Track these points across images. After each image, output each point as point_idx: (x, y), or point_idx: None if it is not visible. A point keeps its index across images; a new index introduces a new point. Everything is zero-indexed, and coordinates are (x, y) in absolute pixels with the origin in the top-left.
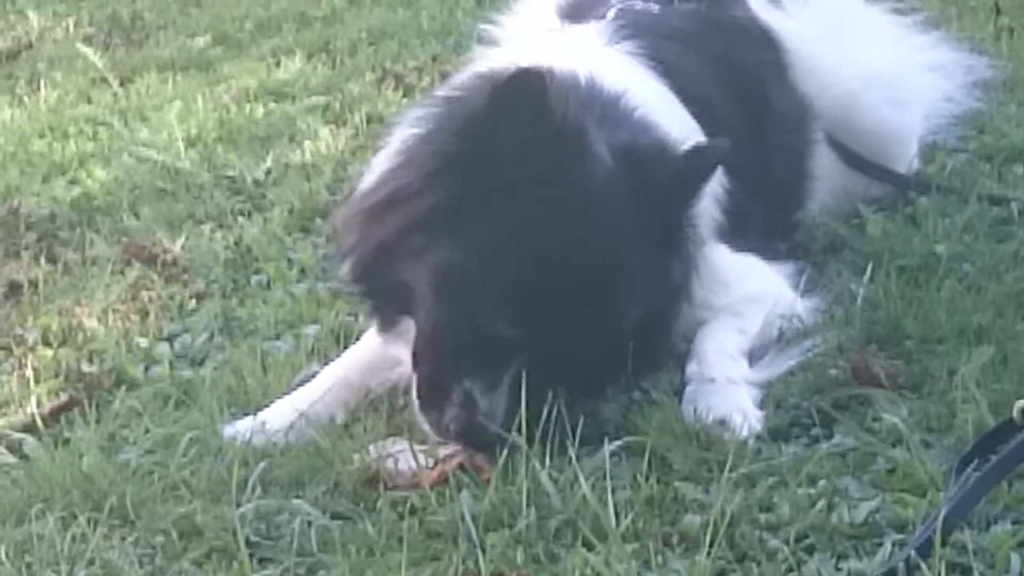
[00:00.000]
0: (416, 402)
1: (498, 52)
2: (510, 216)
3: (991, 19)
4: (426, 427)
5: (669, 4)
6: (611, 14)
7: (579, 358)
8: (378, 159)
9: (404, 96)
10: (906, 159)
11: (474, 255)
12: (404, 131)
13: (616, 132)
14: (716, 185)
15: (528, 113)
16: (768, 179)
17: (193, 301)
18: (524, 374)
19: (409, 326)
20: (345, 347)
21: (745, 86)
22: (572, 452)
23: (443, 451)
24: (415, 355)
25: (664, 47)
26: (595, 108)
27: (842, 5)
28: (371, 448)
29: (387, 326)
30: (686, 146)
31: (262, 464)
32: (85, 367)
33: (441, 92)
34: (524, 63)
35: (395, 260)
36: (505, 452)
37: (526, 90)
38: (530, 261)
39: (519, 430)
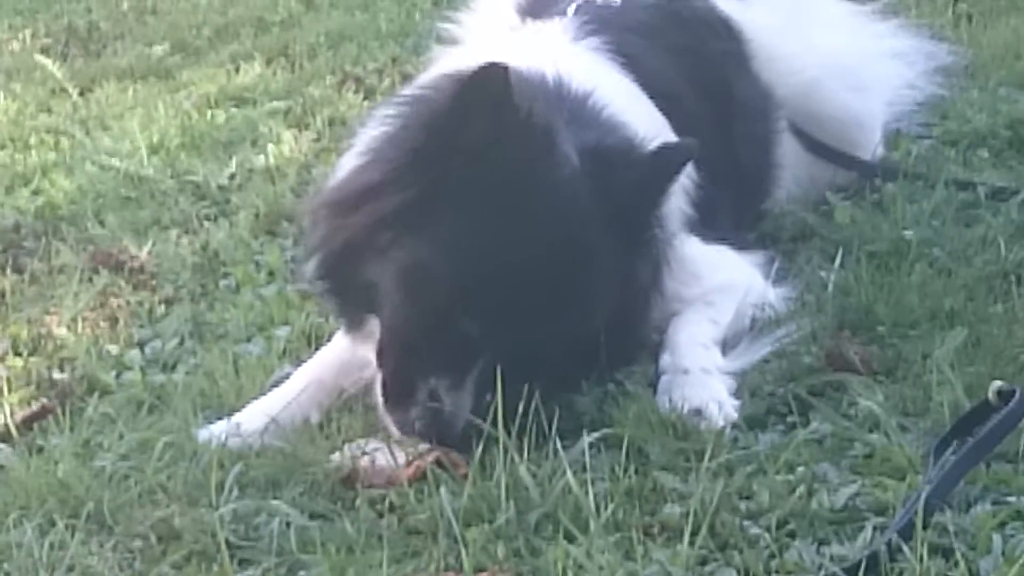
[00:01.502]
0: (381, 401)
1: (460, 51)
2: (475, 212)
3: (949, 6)
4: (391, 427)
5: None
6: (572, 10)
7: (546, 355)
8: (345, 158)
9: (365, 98)
10: (870, 146)
11: (438, 252)
12: (371, 130)
13: (585, 132)
14: (685, 178)
15: (492, 107)
16: (735, 169)
17: (162, 307)
18: (494, 370)
19: (375, 326)
20: (317, 348)
21: (709, 77)
22: (550, 446)
23: (419, 447)
24: (379, 354)
25: (628, 42)
26: (563, 108)
27: None
28: (346, 447)
29: (354, 326)
30: (654, 145)
31: (238, 466)
32: (56, 375)
33: (407, 91)
34: (488, 59)
35: (361, 258)
36: (481, 446)
37: (489, 84)
38: (495, 258)
39: (496, 424)
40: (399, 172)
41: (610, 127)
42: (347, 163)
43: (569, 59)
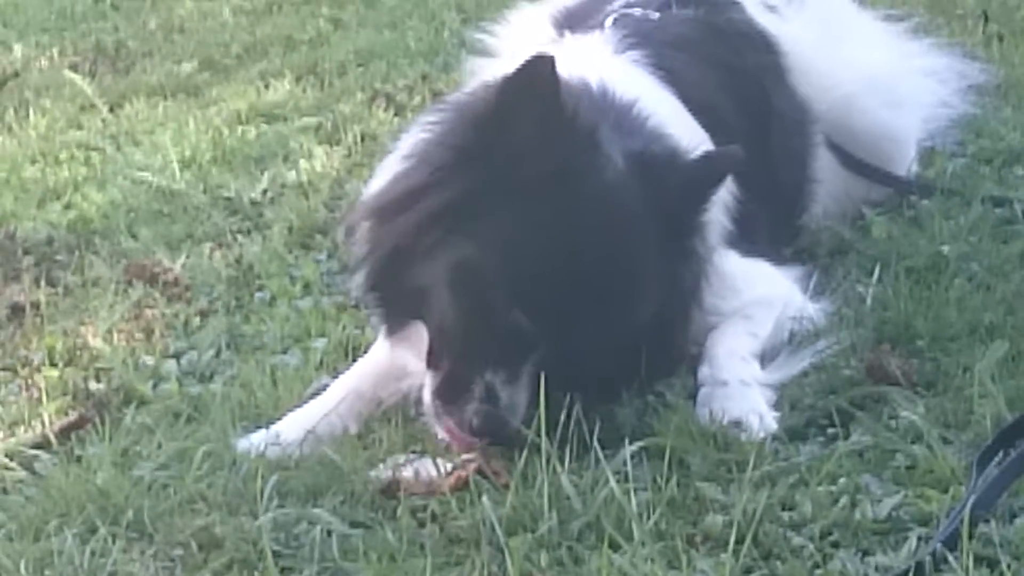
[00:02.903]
0: (434, 403)
1: (497, 63)
2: (523, 208)
3: (979, 26)
4: (438, 429)
5: (667, 11)
6: (610, 23)
7: (594, 356)
8: (386, 164)
9: (395, 115)
10: (905, 161)
11: (489, 247)
12: (412, 136)
13: (630, 139)
14: (725, 192)
15: (541, 99)
16: (773, 184)
17: (197, 319)
18: (542, 374)
19: (419, 332)
20: (354, 359)
21: (748, 91)
22: (591, 455)
23: (462, 457)
24: (430, 355)
25: (669, 55)
26: (609, 115)
27: (836, 9)
28: (387, 460)
29: (396, 332)
30: (699, 152)
31: (278, 476)
32: (92, 385)
33: (451, 98)
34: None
35: (409, 261)
36: (524, 455)
37: (537, 77)
38: (545, 252)
39: (539, 432)
40: (445, 172)
41: (655, 135)
42: (388, 168)
43: (611, 70)
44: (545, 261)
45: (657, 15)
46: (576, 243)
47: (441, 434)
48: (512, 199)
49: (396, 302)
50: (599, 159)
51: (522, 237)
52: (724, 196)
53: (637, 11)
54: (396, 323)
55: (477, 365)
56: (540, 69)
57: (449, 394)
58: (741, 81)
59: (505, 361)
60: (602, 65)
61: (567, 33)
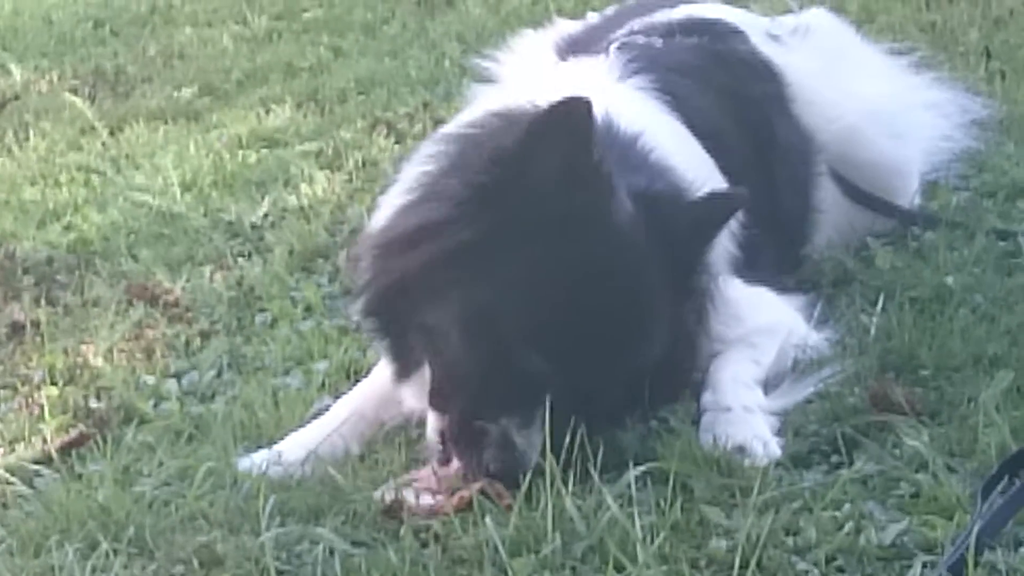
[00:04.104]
0: (435, 444)
1: (500, 90)
2: (541, 251)
3: (981, 63)
4: (439, 469)
5: (672, 39)
6: (614, 48)
7: (605, 392)
8: (388, 196)
9: (396, 143)
10: (908, 193)
11: (506, 293)
12: (416, 168)
13: (634, 176)
14: (731, 220)
15: (572, 143)
16: (776, 213)
17: (198, 339)
18: (557, 407)
19: (418, 367)
20: (356, 382)
21: (752, 119)
22: (594, 479)
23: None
24: (434, 395)
25: (673, 81)
26: (613, 150)
27: (840, 40)
28: (391, 480)
29: (401, 364)
30: (704, 192)
31: (280, 495)
32: (93, 404)
33: (454, 130)
34: (561, 94)
35: (417, 297)
36: (528, 478)
37: (572, 119)
38: (562, 297)
39: (543, 455)
40: (460, 209)
41: (658, 171)
42: (392, 201)
43: (616, 98)
44: (561, 306)
45: (661, 42)
46: (592, 287)
47: (440, 471)
48: (528, 242)
49: (398, 334)
50: (616, 202)
51: (538, 282)
52: (731, 224)
53: (641, 38)
54: (400, 356)
55: (492, 410)
56: (576, 110)
57: (464, 438)
58: (745, 109)
59: (521, 405)
60: (606, 90)
61: (570, 59)
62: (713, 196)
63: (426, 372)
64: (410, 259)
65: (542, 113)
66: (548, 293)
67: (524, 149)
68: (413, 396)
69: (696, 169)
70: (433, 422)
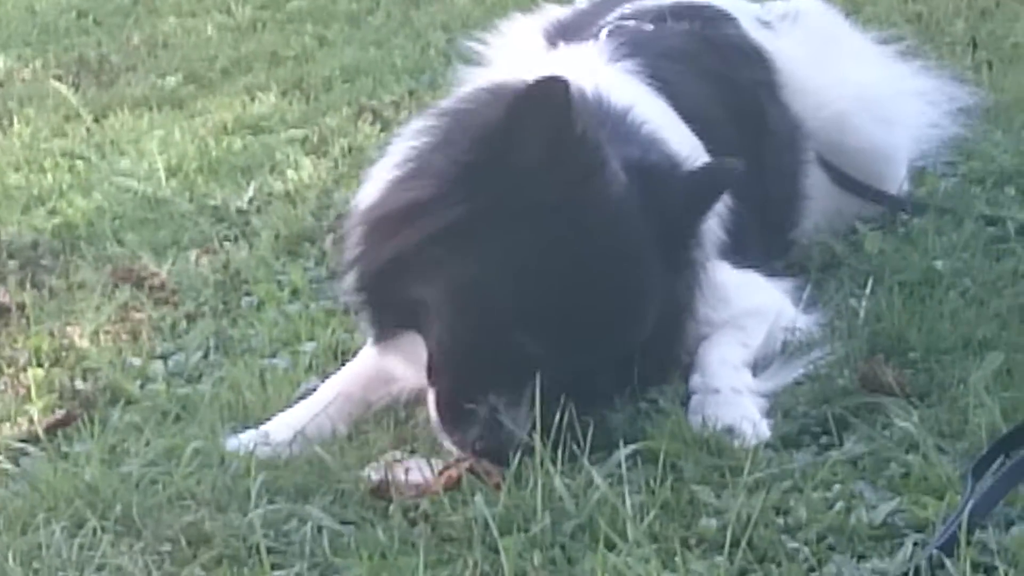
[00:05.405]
0: (436, 420)
1: (490, 71)
2: (529, 228)
3: (968, 53)
4: (447, 444)
5: (662, 24)
6: (604, 34)
7: (596, 371)
8: (377, 170)
9: (382, 130)
10: (896, 180)
11: (495, 268)
12: (407, 143)
13: (626, 147)
14: (720, 203)
15: (550, 125)
16: (764, 198)
17: (184, 322)
18: (547, 386)
19: (409, 340)
20: (343, 363)
21: (741, 105)
22: (583, 458)
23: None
24: (431, 371)
25: (663, 66)
26: (605, 123)
27: (830, 27)
28: (379, 459)
29: (386, 338)
30: (699, 164)
31: (267, 474)
32: (79, 385)
33: (447, 104)
34: (544, 72)
35: (407, 274)
36: (517, 456)
37: (549, 100)
38: (550, 274)
39: (532, 435)
40: (448, 187)
41: (650, 143)
42: (382, 175)
43: (605, 78)
44: (551, 284)
45: (652, 27)
46: (582, 265)
47: (447, 445)
48: (518, 219)
49: (389, 311)
50: (606, 176)
51: (528, 259)
52: (719, 207)
53: (631, 23)
54: (386, 330)
55: (480, 387)
56: (553, 89)
57: (452, 415)
58: (734, 95)
59: (510, 383)
60: (596, 73)
61: (560, 44)
62: (708, 167)
63: (415, 346)
64: (401, 237)
65: (520, 93)
66: (537, 271)
67: (506, 128)
68: (402, 368)
69: (685, 147)
70: (431, 398)
